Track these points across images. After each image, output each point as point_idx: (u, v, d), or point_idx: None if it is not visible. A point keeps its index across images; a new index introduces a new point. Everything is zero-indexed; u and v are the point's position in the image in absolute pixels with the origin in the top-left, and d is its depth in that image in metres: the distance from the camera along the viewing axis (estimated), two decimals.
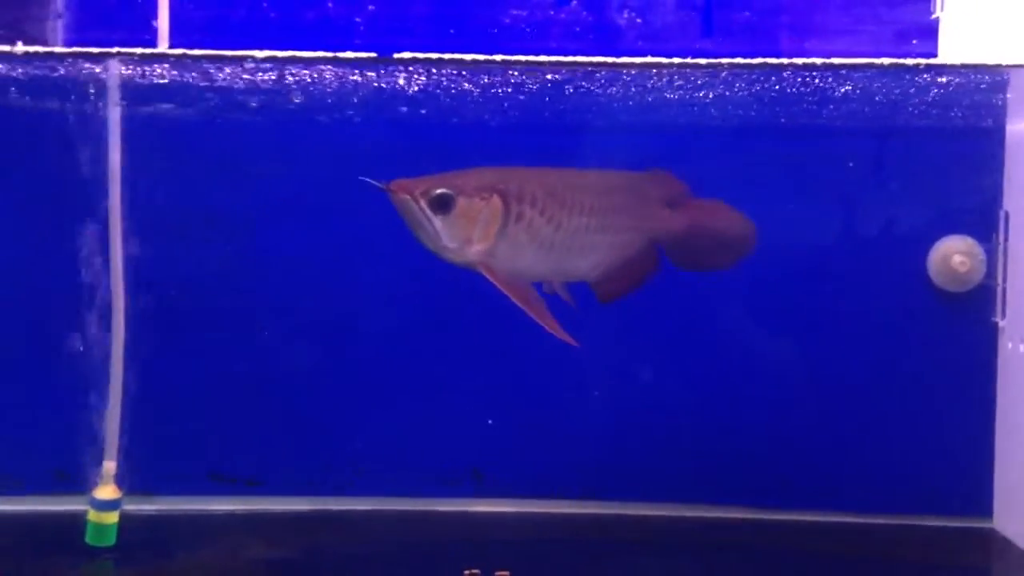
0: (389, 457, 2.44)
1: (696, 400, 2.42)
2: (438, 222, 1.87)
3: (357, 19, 1.84)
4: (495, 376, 2.44)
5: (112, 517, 2.15)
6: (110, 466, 2.16)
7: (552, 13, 1.88)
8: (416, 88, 1.90)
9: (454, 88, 1.90)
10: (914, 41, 2.08)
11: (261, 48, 1.62)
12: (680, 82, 1.82)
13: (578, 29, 1.86)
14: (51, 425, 2.35)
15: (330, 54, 1.51)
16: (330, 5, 1.84)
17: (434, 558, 2.19)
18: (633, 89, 1.91)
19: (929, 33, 2.06)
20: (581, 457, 2.44)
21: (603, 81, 1.84)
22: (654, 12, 1.89)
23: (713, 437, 2.41)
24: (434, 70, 1.64)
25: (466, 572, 2.02)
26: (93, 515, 2.14)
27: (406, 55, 1.54)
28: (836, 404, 2.39)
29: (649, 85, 1.86)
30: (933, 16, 2.14)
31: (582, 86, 1.90)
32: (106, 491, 2.15)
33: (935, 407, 2.38)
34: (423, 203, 1.86)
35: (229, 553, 2.18)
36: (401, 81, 1.82)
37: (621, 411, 2.43)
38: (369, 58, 1.55)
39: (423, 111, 2.22)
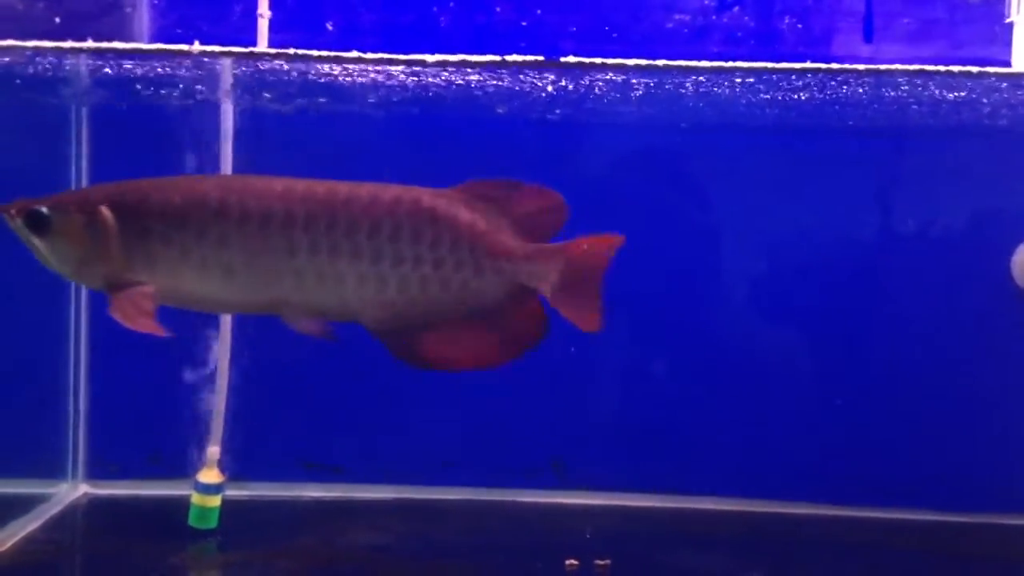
0: (475, 448, 2.49)
1: (785, 397, 2.47)
2: (38, 243, 1.64)
3: (523, 23, 1.88)
4: (576, 366, 2.48)
5: (215, 501, 2.21)
6: (214, 451, 2.22)
7: (714, 18, 1.90)
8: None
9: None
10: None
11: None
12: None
13: (739, 34, 1.88)
14: (156, 412, 2.41)
15: (498, 57, 1.56)
16: (498, 10, 1.89)
17: (521, 548, 2.24)
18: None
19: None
20: (660, 449, 2.49)
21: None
22: (814, 17, 1.92)
23: (800, 434, 2.47)
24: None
25: (567, 561, 2.09)
26: (197, 498, 2.20)
27: (571, 59, 1.58)
28: (919, 403, 2.45)
29: None
30: (1008, 20, 2.20)
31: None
32: (210, 475, 2.21)
33: (1017, 407, 2.42)
34: (19, 222, 1.63)
35: (325, 538, 2.24)
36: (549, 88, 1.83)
37: (709, 405, 2.49)
38: (536, 61, 1.59)
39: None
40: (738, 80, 1.75)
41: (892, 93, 1.98)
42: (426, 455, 2.50)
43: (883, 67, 1.76)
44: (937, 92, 2.01)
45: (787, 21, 1.90)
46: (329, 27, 1.88)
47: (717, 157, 2.34)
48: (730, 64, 1.68)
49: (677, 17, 1.90)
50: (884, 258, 2.43)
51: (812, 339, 2.46)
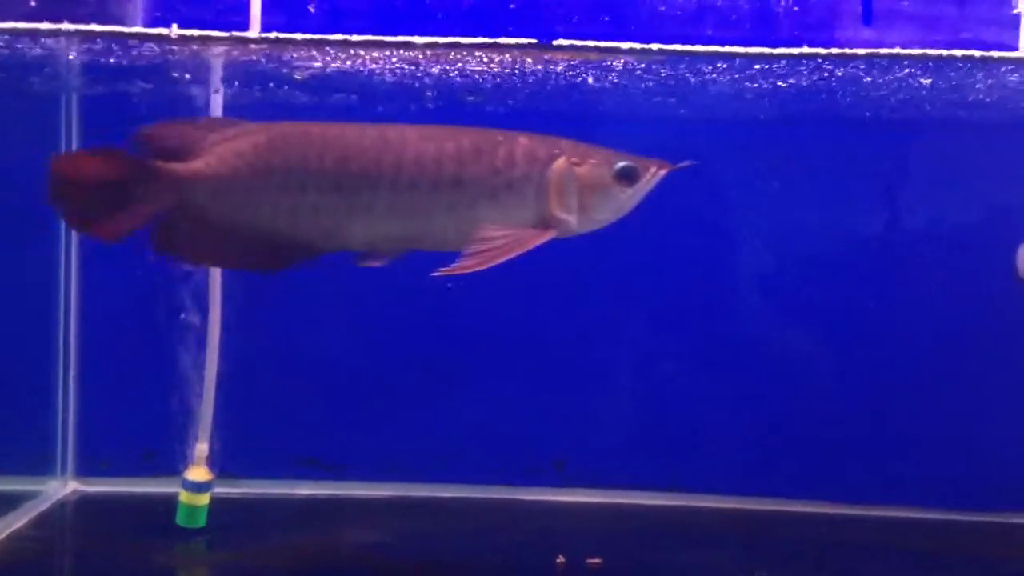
0: (473, 446, 2.45)
1: (785, 394, 2.43)
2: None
3: (512, 5, 1.84)
4: (579, 365, 2.45)
5: (203, 499, 2.16)
6: (202, 448, 2.17)
7: (709, 1, 1.87)
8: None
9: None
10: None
11: None
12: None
13: (734, 17, 1.85)
14: (144, 409, 2.37)
15: (490, 40, 1.52)
16: None
17: (517, 546, 2.20)
18: None
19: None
20: (663, 448, 2.46)
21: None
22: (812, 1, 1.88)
23: (802, 431, 2.43)
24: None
25: (558, 559, 2.05)
26: (185, 496, 2.16)
27: (563, 42, 1.54)
28: (926, 399, 2.41)
29: None
30: (1015, 11, 2.15)
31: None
32: (198, 473, 2.16)
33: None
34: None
35: (318, 537, 2.20)
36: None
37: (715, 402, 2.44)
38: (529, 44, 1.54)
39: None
40: (732, 66, 1.70)
41: (894, 81, 1.92)
42: (424, 452, 2.45)
43: (883, 51, 1.70)
44: (943, 83, 1.96)
45: (783, 4, 1.85)
46: (311, 9, 1.84)
47: (713, 146, 2.29)
48: (727, 49, 1.63)
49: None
50: (888, 253, 2.39)
51: (815, 336, 2.41)
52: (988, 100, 2.11)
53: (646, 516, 2.40)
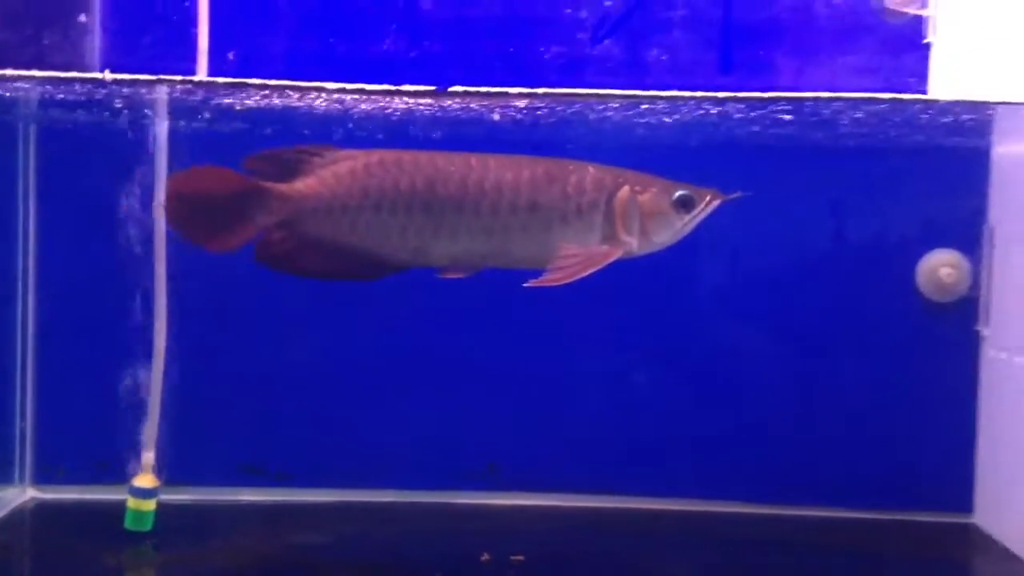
0: (410, 452, 2.58)
1: (701, 400, 2.57)
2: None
3: (411, 54, 2.00)
4: (512, 372, 2.58)
5: (150, 504, 2.30)
6: (148, 456, 2.31)
7: (588, 50, 2.04)
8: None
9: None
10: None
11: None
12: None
13: (611, 64, 2.01)
14: (98, 420, 2.48)
15: (392, 87, 1.67)
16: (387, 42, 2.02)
17: (450, 545, 2.34)
18: None
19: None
20: (595, 452, 2.59)
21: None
22: (679, 50, 2.04)
23: (717, 436, 2.56)
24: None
25: (483, 557, 2.18)
26: (132, 502, 2.29)
27: (458, 88, 1.69)
28: (830, 405, 2.55)
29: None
30: (925, 41, 2.29)
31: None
32: (145, 480, 2.30)
33: (922, 409, 2.53)
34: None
35: (261, 539, 2.33)
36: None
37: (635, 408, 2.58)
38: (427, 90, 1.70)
39: None
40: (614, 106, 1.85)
41: (767, 116, 2.08)
42: (365, 458, 2.58)
43: (803, 94, 1.84)
44: (844, 115, 2.10)
45: (654, 52, 2.02)
46: (230, 56, 1.99)
47: None
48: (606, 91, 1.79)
49: (554, 48, 2.03)
50: (798, 269, 2.53)
51: (733, 345, 2.55)
52: (898, 130, 2.28)
53: (574, 517, 2.52)
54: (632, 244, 1.96)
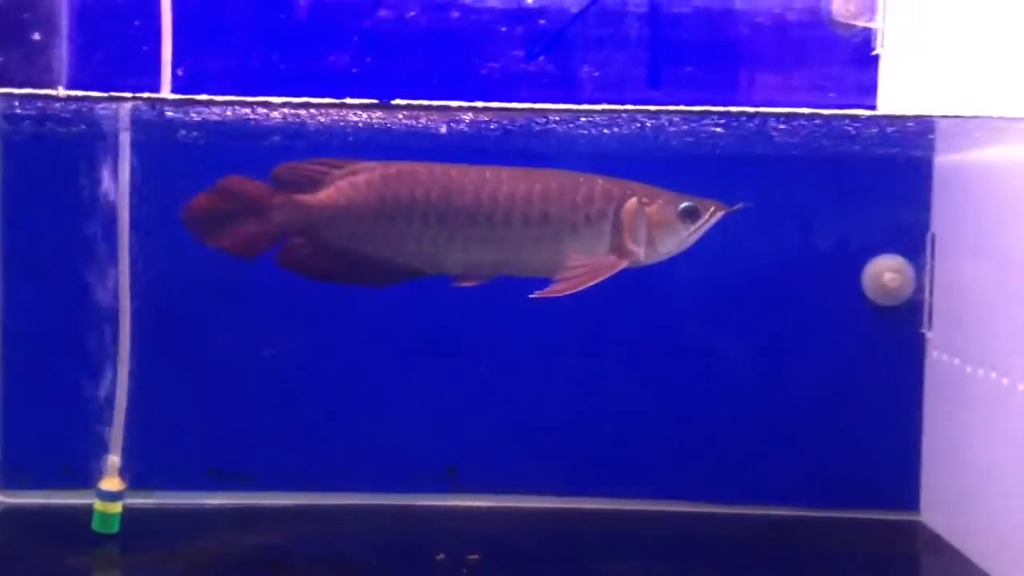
0: (371, 456, 2.63)
1: (653, 402, 2.64)
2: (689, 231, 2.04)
3: (354, 70, 2.10)
4: (474, 375, 2.64)
5: (116, 507, 2.35)
6: (114, 460, 2.37)
7: (523, 66, 2.14)
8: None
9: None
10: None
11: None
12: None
13: (545, 80, 2.11)
14: (60, 423, 2.54)
15: (337, 100, 1.75)
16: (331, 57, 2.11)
17: (408, 546, 2.39)
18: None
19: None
20: (555, 455, 2.65)
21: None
22: (609, 66, 2.14)
23: (668, 437, 2.63)
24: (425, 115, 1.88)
25: (438, 556, 2.24)
26: (99, 505, 2.35)
27: (401, 101, 1.77)
28: (780, 406, 2.62)
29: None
30: (874, 53, 2.37)
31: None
32: (111, 483, 2.35)
33: (869, 409, 2.60)
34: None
35: (224, 541, 2.38)
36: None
37: (591, 411, 2.64)
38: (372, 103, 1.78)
39: None
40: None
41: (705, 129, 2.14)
42: (327, 462, 2.63)
43: (752, 109, 1.90)
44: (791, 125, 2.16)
45: (585, 69, 2.12)
46: (179, 73, 2.07)
47: None
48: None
49: (490, 64, 2.12)
50: (749, 275, 2.60)
51: (678, 346, 2.62)
52: (845, 140, 2.34)
53: (533, 518, 2.58)
54: (639, 254, 2.03)
